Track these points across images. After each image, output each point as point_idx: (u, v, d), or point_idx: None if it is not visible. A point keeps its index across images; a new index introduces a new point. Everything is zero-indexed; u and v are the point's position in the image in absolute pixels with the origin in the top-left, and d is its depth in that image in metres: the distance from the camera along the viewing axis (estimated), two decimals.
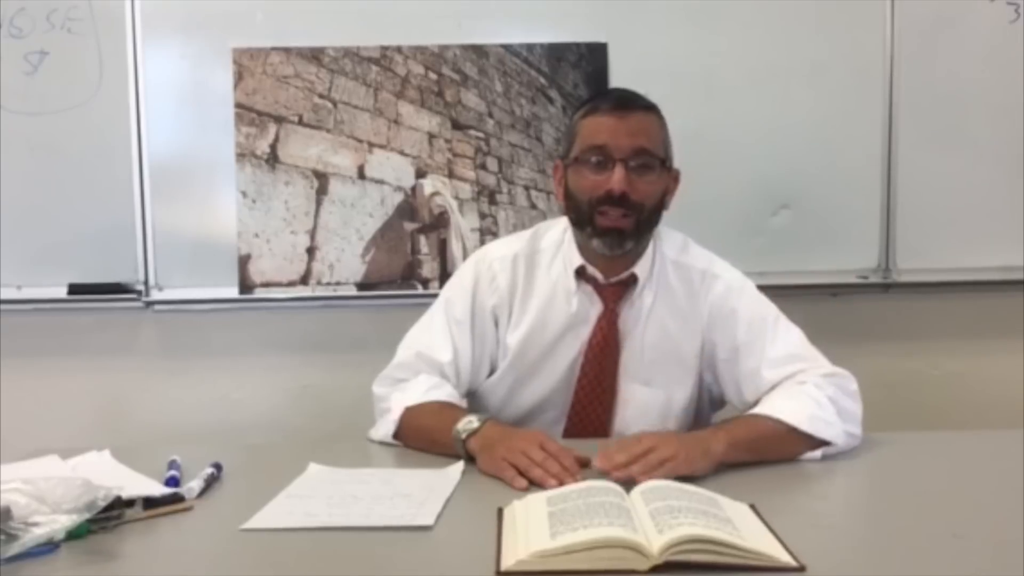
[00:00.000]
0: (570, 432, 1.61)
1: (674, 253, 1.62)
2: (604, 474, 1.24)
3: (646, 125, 1.52)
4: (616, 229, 1.51)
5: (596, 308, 1.59)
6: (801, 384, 1.48)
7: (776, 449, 1.39)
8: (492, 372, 1.65)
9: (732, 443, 1.35)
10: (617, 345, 1.58)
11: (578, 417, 1.60)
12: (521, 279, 1.62)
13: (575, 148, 1.54)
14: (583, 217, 1.53)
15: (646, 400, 1.59)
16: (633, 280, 1.58)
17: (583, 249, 1.58)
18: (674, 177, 1.59)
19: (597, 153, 1.50)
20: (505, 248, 1.65)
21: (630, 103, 1.53)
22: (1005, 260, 2.28)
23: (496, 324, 1.63)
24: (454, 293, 1.64)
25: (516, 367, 1.61)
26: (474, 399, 1.67)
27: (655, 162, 1.51)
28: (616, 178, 1.48)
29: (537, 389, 1.62)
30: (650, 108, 1.55)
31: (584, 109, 1.57)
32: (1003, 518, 1.13)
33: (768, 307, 1.60)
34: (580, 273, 1.58)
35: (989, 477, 1.33)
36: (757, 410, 1.46)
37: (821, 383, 1.47)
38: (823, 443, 1.41)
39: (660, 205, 1.56)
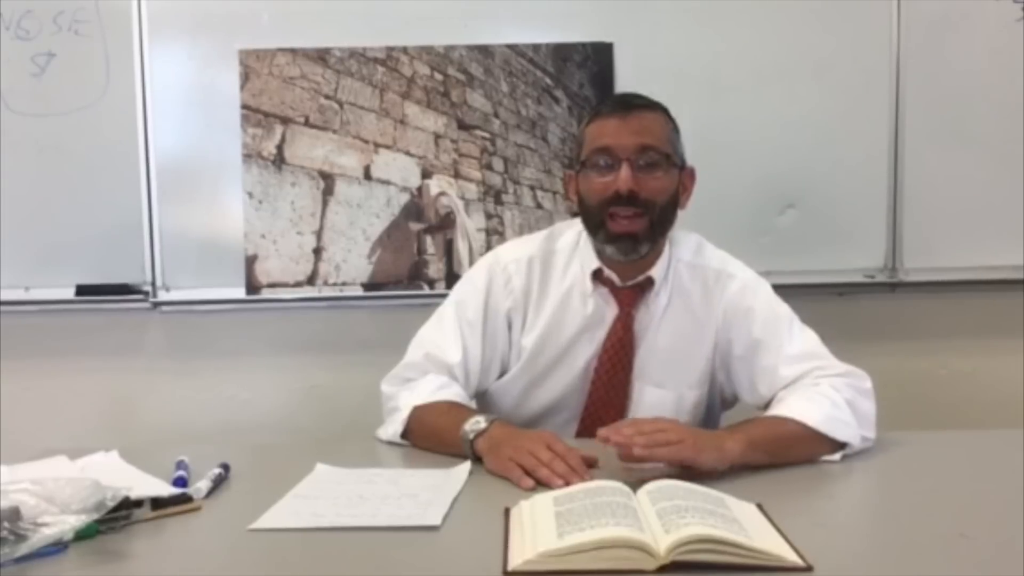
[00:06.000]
0: (583, 433, 1.60)
1: (688, 255, 1.62)
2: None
3: (649, 123, 1.52)
4: (629, 235, 1.50)
5: (612, 310, 1.59)
6: (816, 385, 1.47)
7: (795, 450, 1.38)
8: (503, 374, 1.64)
9: (750, 443, 1.33)
10: (632, 347, 1.58)
11: (591, 418, 1.60)
12: (536, 282, 1.62)
13: (582, 154, 1.55)
14: (595, 222, 1.53)
15: (658, 401, 1.58)
16: (649, 283, 1.58)
17: (600, 252, 1.58)
18: (689, 175, 1.59)
19: (603, 155, 1.51)
20: (519, 251, 1.65)
21: (632, 103, 1.54)
22: (1013, 259, 2.27)
23: (509, 327, 1.62)
24: (466, 294, 1.64)
25: (530, 368, 1.61)
26: (486, 400, 1.67)
27: (661, 158, 1.51)
28: (623, 176, 1.48)
29: (551, 390, 1.62)
30: (653, 106, 1.55)
31: (588, 116, 1.59)
32: (1011, 518, 1.12)
33: (783, 307, 1.60)
34: (597, 276, 1.58)
35: (998, 477, 1.32)
36: (773, 411, 1.45)
37: (837, 384, 1.46)
38: (840, 445, 1.40)
39: (674, 203, 1.55)
